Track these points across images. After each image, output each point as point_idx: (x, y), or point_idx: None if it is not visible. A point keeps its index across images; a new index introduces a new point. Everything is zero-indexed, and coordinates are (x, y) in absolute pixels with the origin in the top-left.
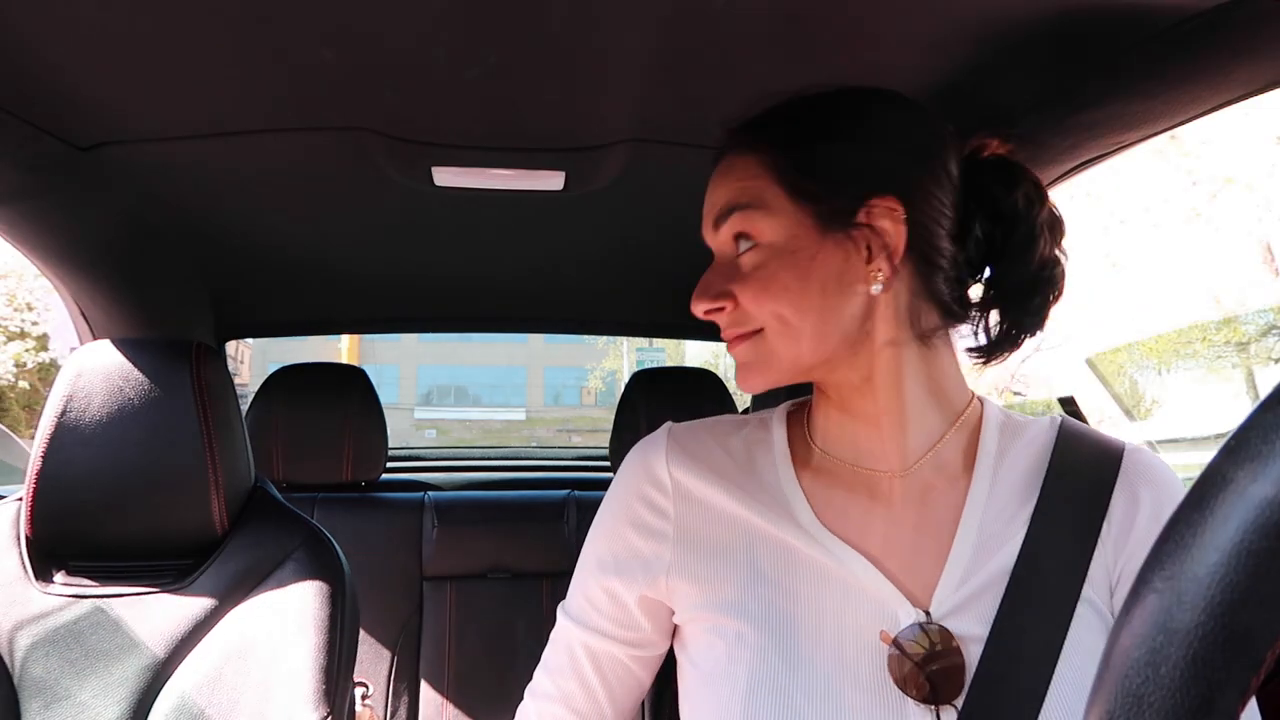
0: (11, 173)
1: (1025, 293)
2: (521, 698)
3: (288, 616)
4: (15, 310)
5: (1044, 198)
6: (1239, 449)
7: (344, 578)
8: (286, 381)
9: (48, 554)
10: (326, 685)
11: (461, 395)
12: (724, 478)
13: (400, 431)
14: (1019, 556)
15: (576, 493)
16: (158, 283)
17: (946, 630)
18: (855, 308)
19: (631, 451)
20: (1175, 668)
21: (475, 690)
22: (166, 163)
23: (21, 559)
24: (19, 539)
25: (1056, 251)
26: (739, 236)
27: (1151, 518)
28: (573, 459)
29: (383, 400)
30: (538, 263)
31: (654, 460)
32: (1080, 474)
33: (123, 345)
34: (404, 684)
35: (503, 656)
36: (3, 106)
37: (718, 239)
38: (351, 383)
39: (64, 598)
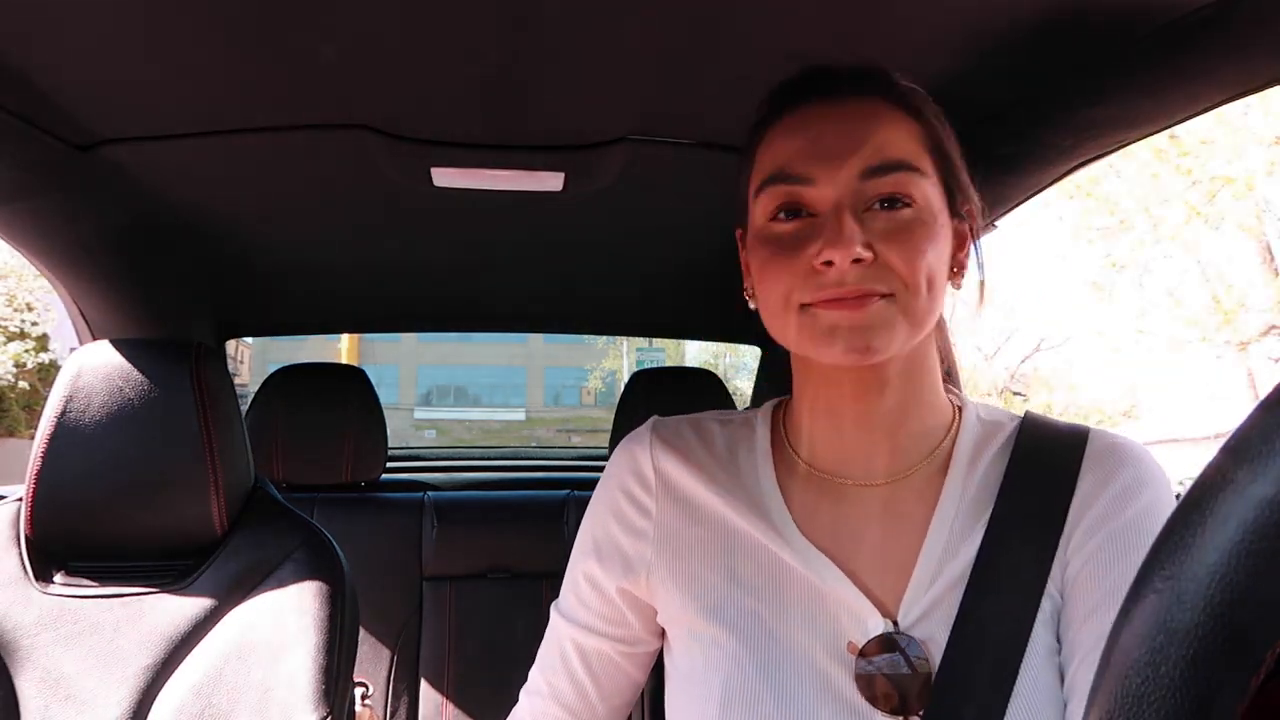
0: (10, 172)
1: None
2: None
3: (287, 616)
4: (15, 311)
5: None
6: (1239, 449)
7: (344, 578)
8: (286, 382)
9: (47, 554)
10: (326, 685)
11: (461, 395)
12: (707, 476)
13: (400, 431)
14: (977, 557)
15: (576, 493)
16: (158, 283)
17: (913, 639)
18: (944, 288)
19: (619, 446)
20: (1175, 668)
21: (475, 690)
22: (166, 162)
23: (21, 559)
24: (19, 539)
25: None
26: (892, 195)
27: (1119, 493)
28: (572, 459)
29: (383, 400)
30: (538, 263)
31: (639, 455)
32: (1041, 466)
33: (123, 345)
34: (404, 684)
35: (503, 656)
36: (1, 106)
37: (861, 185)
38: (351, 383)
39: (64, 598)
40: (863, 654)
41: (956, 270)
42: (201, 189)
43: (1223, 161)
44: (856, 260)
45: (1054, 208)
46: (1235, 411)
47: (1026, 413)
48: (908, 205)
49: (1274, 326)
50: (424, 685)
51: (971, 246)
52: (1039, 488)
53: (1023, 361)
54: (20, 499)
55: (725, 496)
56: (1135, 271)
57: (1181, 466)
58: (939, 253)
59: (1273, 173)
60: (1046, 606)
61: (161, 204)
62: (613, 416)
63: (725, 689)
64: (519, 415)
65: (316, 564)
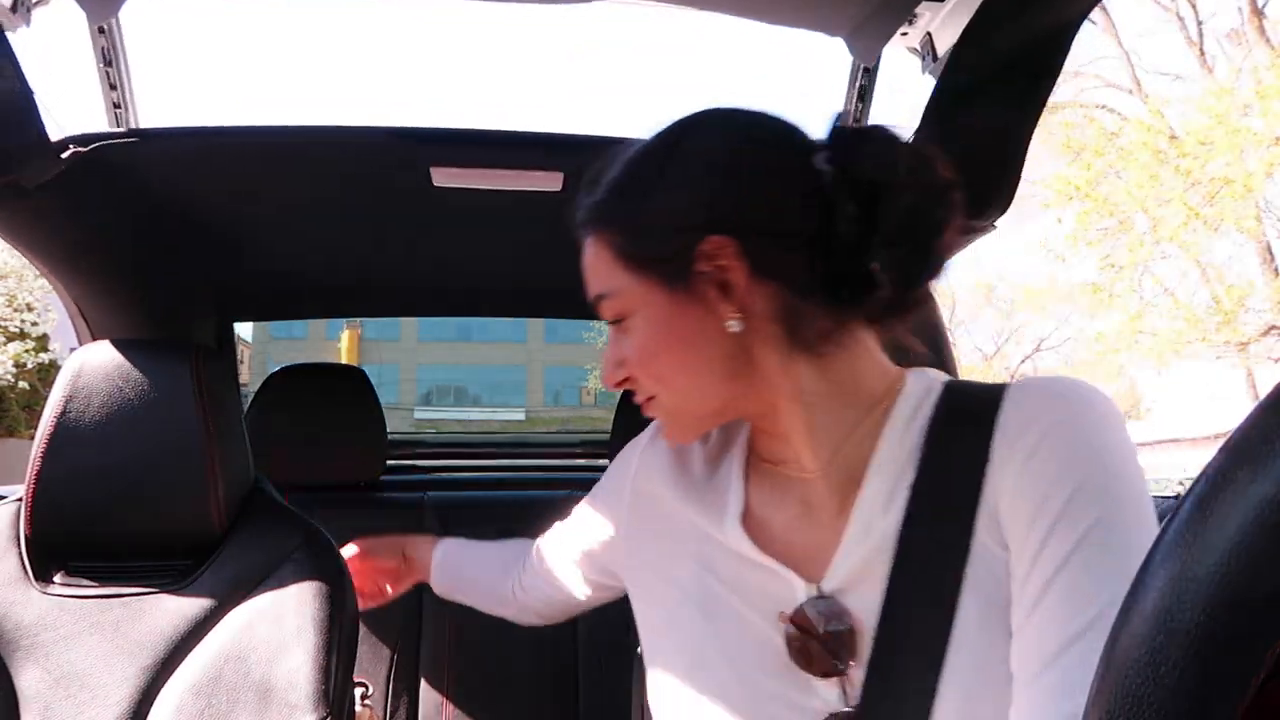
0: (10, 171)
1: (898, 242)
2: (521, 697)
3: (287, 617)
4: (15, 311)
5: (894, 148)
6: (1239, 449)
7: (343, 578)
8: (286, 382)
9: (47, 555)
10: (326, 685)
11: (461, 395)
12: (681, 481)
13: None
14: (903, 520)
15: (576, 493)
16: (158, 281)
17: (838, 602)
18: (727, 349)
19: (623, 450)
20: (1175, 668)
21: (475, 690)
22: (164, 160)
23: (21, 559)
24: (18, 539)
25: (927, 199)
26: (613, 320)
27: (1043, 429)
28: (575, 445)
29: (383, 400)
30: (536, 248)
31: (624, 474)
32: (962, 425)
33: (123, 345)
34: (404, 684)
35: (503, 656)
36: None
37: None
38: (351, 383)
39: (64, 598)
40: (793, 622)
41: (730, 313)
42: (202, 188)
43: (1222, 163)
44: (624, 380)
45: (1054, 209)
46: (1235, 411)
47: (951, 378)
48: (623, 320)
49: (1274, 326)
50: (424, 685)
51: (743, 268)
52: (958, 445)
53: (1022, 362)
54: (20, 499)
55: (693, 497)
56: (1135, 272)
57: (1182, 466)
58: (672, 343)
59: (1272, 174)
60: (980, 552)
61: (161, 203)
62: (612, 416)
63: (688, 658)
64: (519, 415)
65: (316, 564)
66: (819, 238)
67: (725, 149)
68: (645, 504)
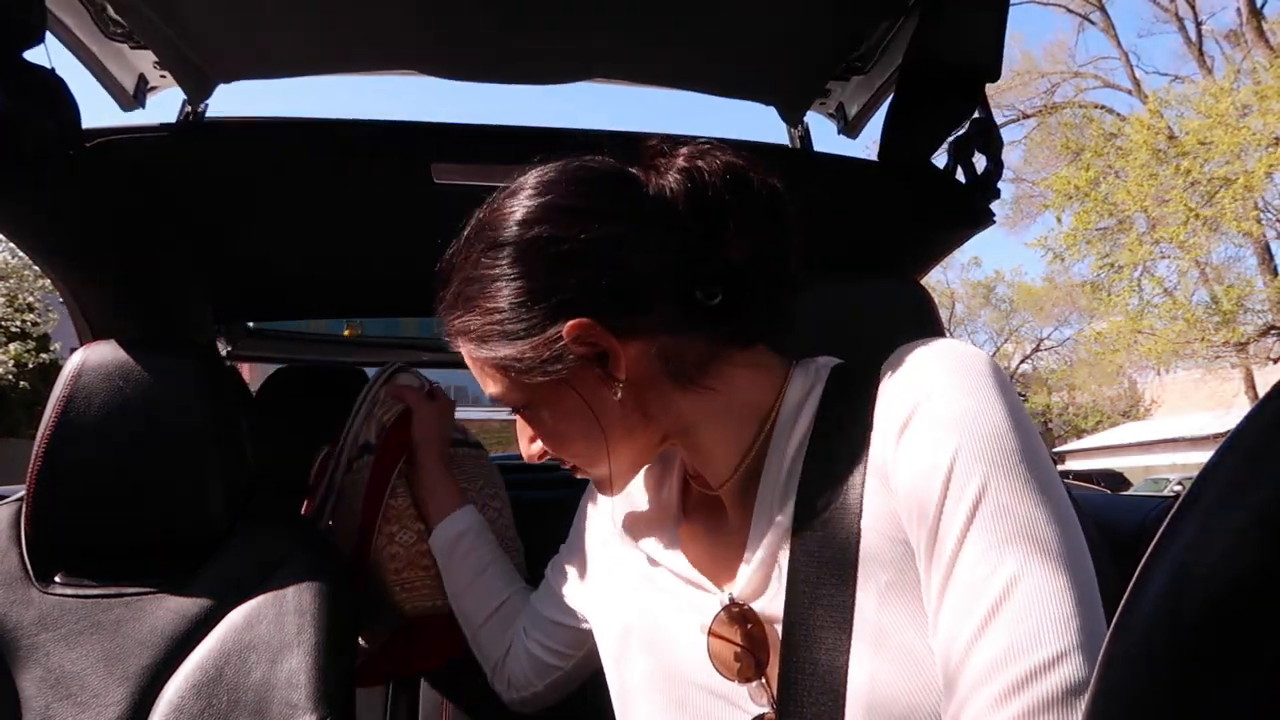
0: (12, 170)
1: (743, 257)
2: None
3: (287, 616)
4: (16, 311)
5: (741, 186)
6: (1238, 448)
7: (344, 578)
8: (287, 382)
9: (48, 554)
10: (326, 685)
11: (461, 395)
12: (628, 515)
13: None
14: (794, 517)
15: (577, 492)
16: (159, 282)
17: (749, 608)
18: (621, 411)
19: (586, 496)
20: (1175, 668)
21: (475, 690)
22: (166, 160)
23: (22, 559)
24: (19, 539)
25: (754, 206)
26: (514, 409)
27: (902, 403)
28: None
29: None
30: None
31: (584, 512)
32: (843, 409)
33: (124, 345)
34: (404, 684)
35: None
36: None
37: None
38: (352, 384)
39: (64, 598)
40: (711, 632)
41: (611, 383)
42: (203, 187)
43: (1221, 162)
44: (544, 454)
45: (1053, 209)
46: (1235, 411)
47: (838, 363)
48: (524, 410)
49: (1273, 326)
50: (424, 685)
51: (610, 337)
52: (840, 431)
53: (1022, 362)
54: (20, 499)
55: (638, 526)
56: (1134, 272)
57: (1182, 466)
58: (564, 424)
59: (1271, 174)
60: (875, 539)
61: (163, 202)
62: None
63: (622, 687)
64: None
65: (316, 564)
66: (675, 274)
67: (549, 237)
68: (599, 547)
